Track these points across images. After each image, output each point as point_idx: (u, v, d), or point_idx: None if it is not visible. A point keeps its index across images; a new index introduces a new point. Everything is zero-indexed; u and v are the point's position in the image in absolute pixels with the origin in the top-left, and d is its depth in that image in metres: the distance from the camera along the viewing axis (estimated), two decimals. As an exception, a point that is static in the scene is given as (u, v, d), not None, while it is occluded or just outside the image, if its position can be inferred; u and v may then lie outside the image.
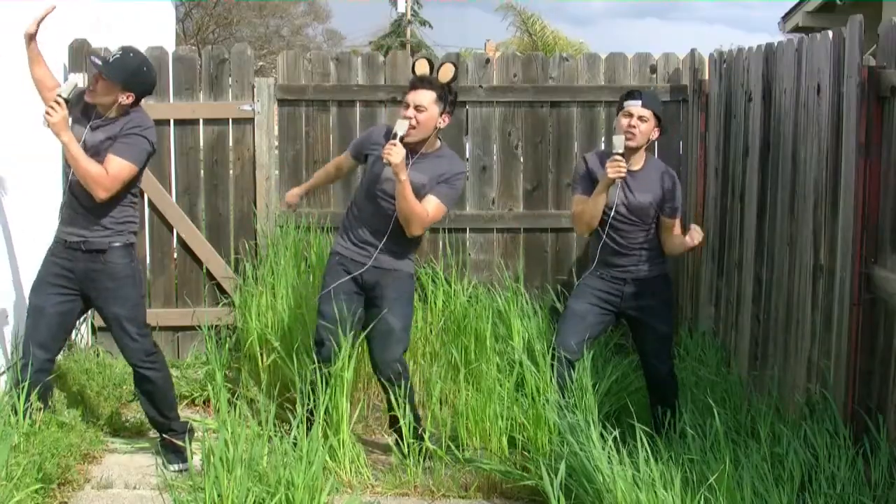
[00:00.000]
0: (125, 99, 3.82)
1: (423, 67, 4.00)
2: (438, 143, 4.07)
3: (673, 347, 4.48)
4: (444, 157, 4.05)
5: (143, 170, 3.91)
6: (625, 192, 4.09)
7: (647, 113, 4.06)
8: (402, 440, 3.95)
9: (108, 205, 3.83)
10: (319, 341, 4.06)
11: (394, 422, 4.08)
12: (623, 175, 3.95)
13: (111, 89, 3.79)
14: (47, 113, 3.65)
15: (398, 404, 3.94)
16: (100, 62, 3.76)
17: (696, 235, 4.10)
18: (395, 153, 3.74)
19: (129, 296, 3.93)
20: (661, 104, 4.29)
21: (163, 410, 4.05)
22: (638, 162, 4.14)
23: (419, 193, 3.90)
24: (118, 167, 3.75)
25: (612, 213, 4.09)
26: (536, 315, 4.78)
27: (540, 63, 5.67)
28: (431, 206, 3.93)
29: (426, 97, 3.92)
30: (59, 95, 3.69)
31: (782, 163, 4.24)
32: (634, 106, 4.06)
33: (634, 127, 4.05)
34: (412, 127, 3.88)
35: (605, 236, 4.13)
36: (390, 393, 3.99)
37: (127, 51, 3.86)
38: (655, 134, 4.15)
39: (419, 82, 3.96)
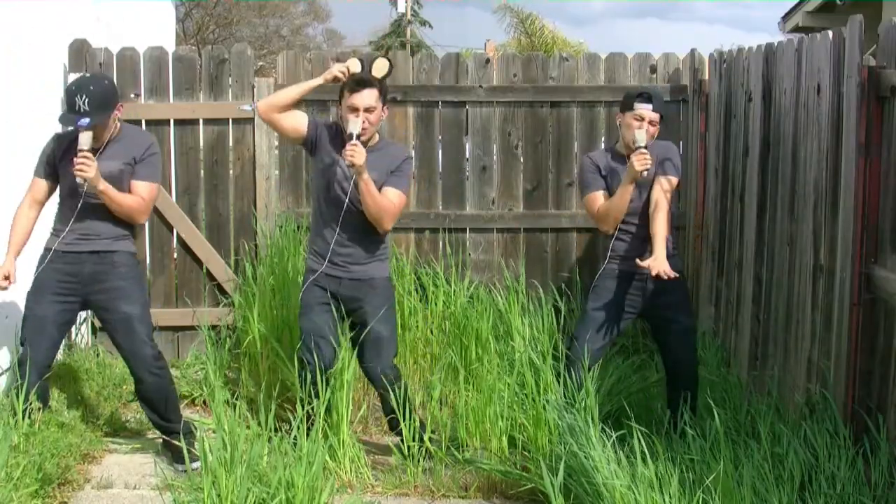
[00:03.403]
0: (119, 113, 3.91)
1: (356, 66, 3.90)
2: (377, 137, 4.04)
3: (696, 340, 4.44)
4: (386, 149, 4.03)
5: None
6: (637, 186, 4.04)
7: (656, 117, 4.04)
8: (403, 442, 3.94)
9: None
10: (305, 357, 3.95)
11: (394, 425, 4.06)
12: (648, 167, 3.89)
13: (108, 122, 3.86)
14: (80, 170, 3.68)
15: (398, 407, 3.92)
16: (87, 120, 3.72)
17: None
18: (359, 154, 3.73)
19: (138, 296, 4.02)
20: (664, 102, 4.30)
21: (166, 415, 4.04)
22: None
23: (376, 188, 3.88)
24: (149, 191, 3.96)
25: (629, 209, 4.05)
26: (537, 315, 4.78)
27: (540, 63, 5.66)
28: (395, 197, 3.93)
29: (372, 96, 3.86)
30: (82, 150, 3.71)
31: (782, 163, 4.24)
32: (646, 110, 4.01)
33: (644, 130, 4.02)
34: (364, 128, 3.84)
35: (626, 233, 4.07)
36: (389, 397, 3.95)
37: (86, 82, 3.83)
38: (656, 133, 4.13)
39: (360, 84, 3.86)
